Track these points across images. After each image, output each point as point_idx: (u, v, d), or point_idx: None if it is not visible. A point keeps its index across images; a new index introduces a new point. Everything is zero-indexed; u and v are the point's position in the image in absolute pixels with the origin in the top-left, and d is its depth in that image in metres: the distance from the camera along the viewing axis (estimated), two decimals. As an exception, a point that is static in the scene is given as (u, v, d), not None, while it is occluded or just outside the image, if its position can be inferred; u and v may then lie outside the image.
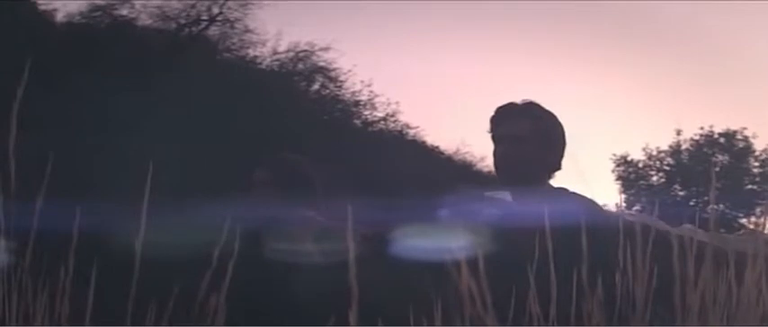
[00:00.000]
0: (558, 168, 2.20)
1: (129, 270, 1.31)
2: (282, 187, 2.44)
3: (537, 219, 1.59)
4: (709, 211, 2.62)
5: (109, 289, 1.42)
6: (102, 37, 10.25)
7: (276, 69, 13.07)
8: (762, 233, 1.47)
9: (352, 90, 14.03)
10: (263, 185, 2.47)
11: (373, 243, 1.02)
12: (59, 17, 10.84)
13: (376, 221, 1.92)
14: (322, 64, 13.57)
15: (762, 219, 1.49)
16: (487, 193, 2.14)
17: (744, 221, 22.18)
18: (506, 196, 2.12)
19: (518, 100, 2.24)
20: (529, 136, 2.15)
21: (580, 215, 1.51)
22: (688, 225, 2.17)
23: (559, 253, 1.44)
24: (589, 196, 2.13)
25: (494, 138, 2.20)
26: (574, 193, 2.14)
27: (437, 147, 14.87)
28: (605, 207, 2.21)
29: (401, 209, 2.09)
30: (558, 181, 2.21)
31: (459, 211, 2.05)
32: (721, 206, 22.19)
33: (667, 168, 25.56)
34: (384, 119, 14.55)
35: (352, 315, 1.07)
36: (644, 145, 25.83)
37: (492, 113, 2.22)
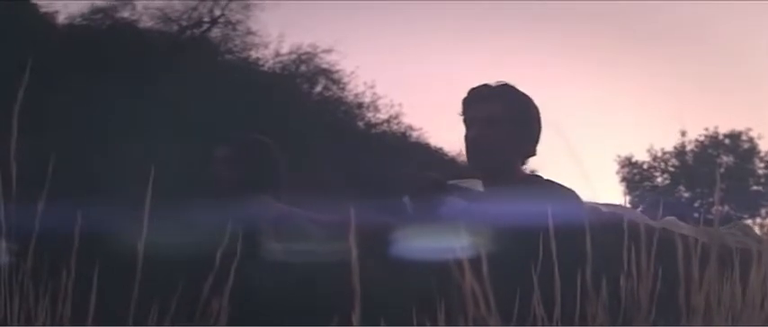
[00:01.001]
0: (533, 153, 2.08)
1: (130, 272, 1.30)
2: (242, 164, 2.45)
3: (506, 211, 1.52)
4: (714, 212, 2.59)
5: (110, 291, 1.42)
6: (103, 39, 10.27)
7: (278, 71, 13.09)
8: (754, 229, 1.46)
9: (354, 92, 14.08)
10: (223, 162, 2.49)
11: (342, 232, 1.00)
12: (60, 19, 10.88)
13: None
14: (325, 66, 13.62)
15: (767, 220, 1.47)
16: (451, 181, 2.02)
17: (749, 222, 22.13)
18: (477, 185, 2.01)
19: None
20: (502, 118, 2.03)
21: (554, 206, 1.42)
22: (671, 217, 2.10)
23: (534, 244, 1.37)
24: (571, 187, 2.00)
25: (465, 122, 2.09)
26: (548, 181, 2.03)
27: (440, 149, 14.86)
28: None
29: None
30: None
31: (422, 201, 1.96)
32: (726, 207, 22.15)
33: (672, 169, 25.55)
34: (387, 120, 14.58)
35: (357, 314, 1.06)
36: (648, 147, 25.88)
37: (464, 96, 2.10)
